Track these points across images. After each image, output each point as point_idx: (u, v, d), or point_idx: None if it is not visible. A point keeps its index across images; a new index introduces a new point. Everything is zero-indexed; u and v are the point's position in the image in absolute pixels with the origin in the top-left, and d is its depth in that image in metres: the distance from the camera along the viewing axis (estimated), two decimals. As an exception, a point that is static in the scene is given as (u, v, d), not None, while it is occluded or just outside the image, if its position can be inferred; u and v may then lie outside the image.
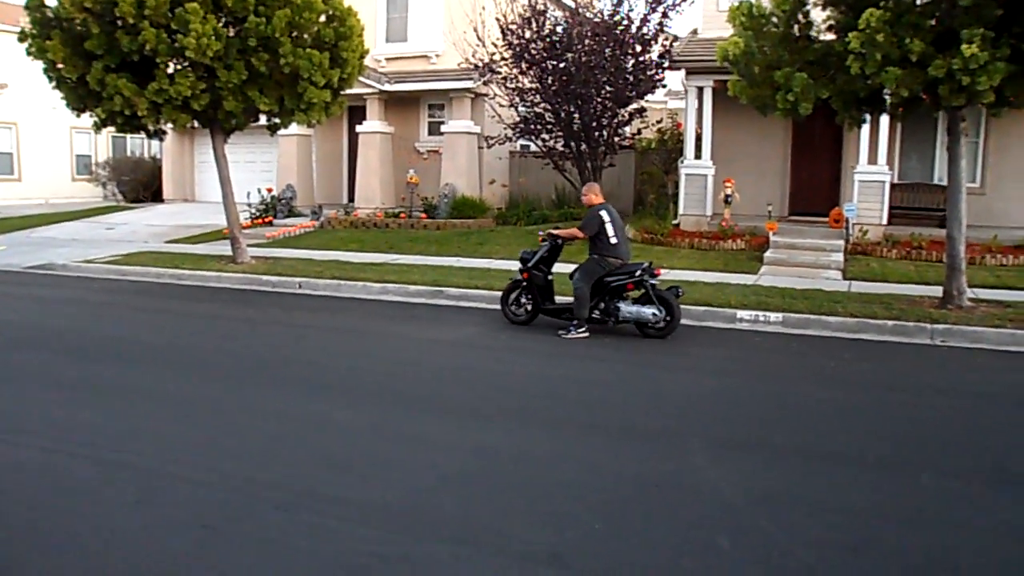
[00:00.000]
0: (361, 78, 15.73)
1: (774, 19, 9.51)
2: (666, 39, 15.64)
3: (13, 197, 28.06)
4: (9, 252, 16.12)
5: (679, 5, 15.36)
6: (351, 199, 21.01)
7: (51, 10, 12.70)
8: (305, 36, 12.91)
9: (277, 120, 13.98)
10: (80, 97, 13.17)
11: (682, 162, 16.19)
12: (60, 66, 12.77)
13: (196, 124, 13.86)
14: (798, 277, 12.09)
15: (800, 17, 9.50)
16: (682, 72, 16.06)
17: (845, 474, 4.83)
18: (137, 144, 31.44)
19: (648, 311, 8.61)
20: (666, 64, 15.59)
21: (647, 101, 16.04)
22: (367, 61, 14.86)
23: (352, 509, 4.28)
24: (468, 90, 19.18)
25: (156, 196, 25.97)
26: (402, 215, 18.66)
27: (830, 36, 9.49)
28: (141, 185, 27.07)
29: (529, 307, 9.38)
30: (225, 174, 14.08)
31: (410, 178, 19.37)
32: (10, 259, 15.12)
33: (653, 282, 8.72)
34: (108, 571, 3.66)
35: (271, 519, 4.16)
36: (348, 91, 14.43)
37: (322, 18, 13.08)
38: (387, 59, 20.70)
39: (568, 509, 4.29)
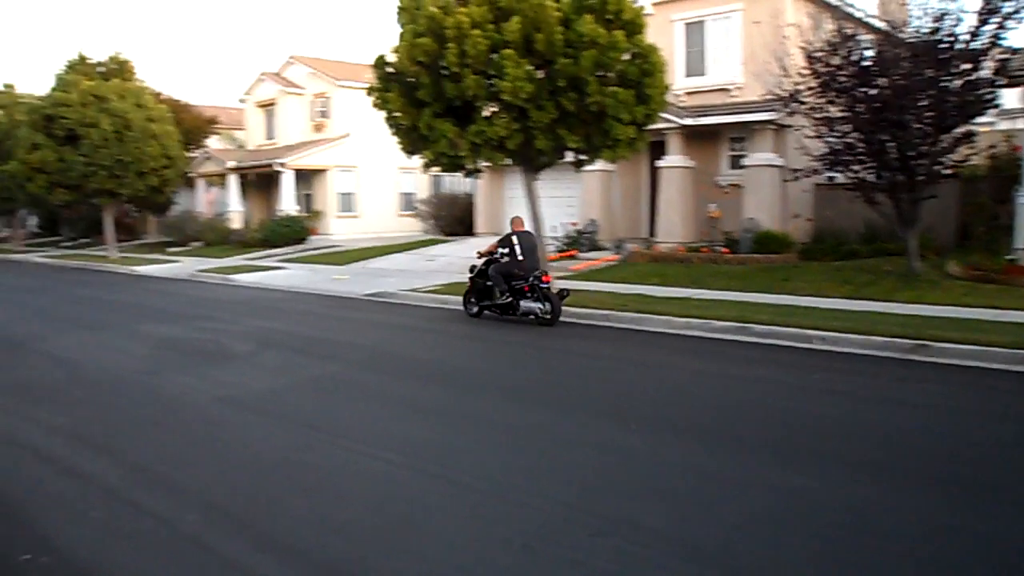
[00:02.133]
0: (662, 113, 16.00)
1: None
2: (1001, 52, 14.08)
3: (353, 231, 31.94)
4: (351, 281, 18.36)
5: (1020, 12, 13.68)
6: (652, 233, 21.29)
7: (391, 66, 14.42)
8: (610, 75, 13.41)
9: (584, 156, 14.62)
10: (412, 141, 14.77)
11: (1020, 190, 14.54)
12: (397, 114, 14.44)
13: (509, 162, 14.88)
14: None
15: None
16: (1021, 89, 14.45)
17: None
18: (452, 182, 34.35)
19: (536, 306, 11.96)
20: (1002, 81, 14.05)
21: (974, 124, 14.52)
22: (668, 97, 15.08)
23: (662, 540, 4.35)
24: (770, 122, 18.74)
25: (469, 230, 28.11)
26: (703, 249, 18.57)
27: None
28: (456, 220, 29.47)
29: (476, 306, 12.87)
30: (535, 210, 14.95)
31: (711, 212, 19.25)
32: (352, 287, 17.23)
33: (543, 286, 11.92)
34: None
35: (585, 544, 4.33)
36: (649, 126, 14.73)
37: (626, 56, 13.52)
38: (686, 93, 20.83)
39: (892, 566, 4.04)
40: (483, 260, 12.85)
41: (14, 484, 5.37)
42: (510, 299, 12.26)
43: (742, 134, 20.10)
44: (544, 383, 8.51)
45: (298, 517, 4.73)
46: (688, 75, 21.03)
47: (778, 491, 5.05)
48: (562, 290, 12.24)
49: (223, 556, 4.24)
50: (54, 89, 29.37)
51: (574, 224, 21.71)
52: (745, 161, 19.57)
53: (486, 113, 13.62)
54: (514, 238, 12.48)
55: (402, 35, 13.98)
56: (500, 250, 12.61)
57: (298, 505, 4.93)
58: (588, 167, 16.00)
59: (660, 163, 20.43)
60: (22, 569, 4.11)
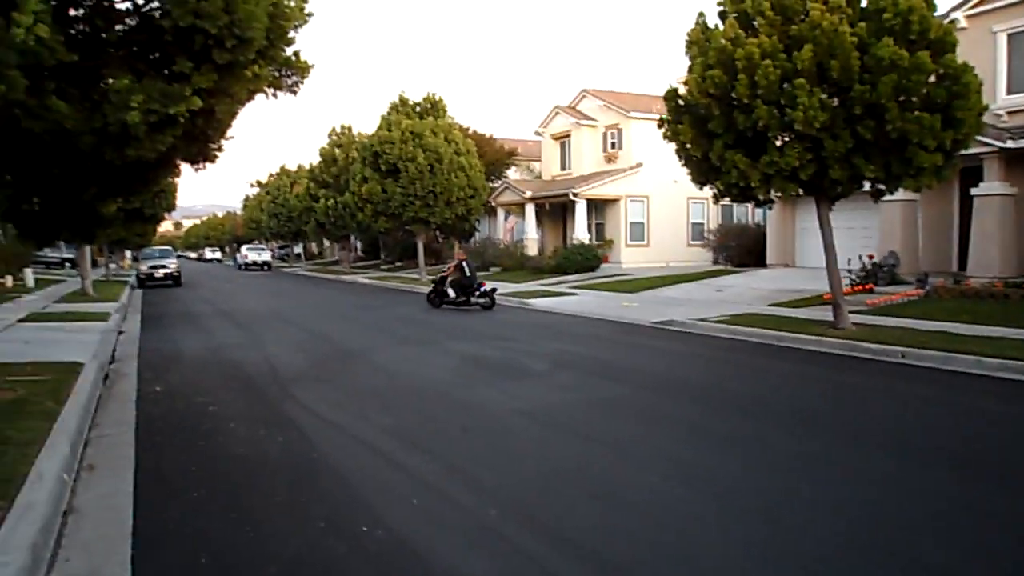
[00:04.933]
0: (977, 137, 14.79)
1: None
2: None
3: (642, 260, 32.59)
4: (639, 309, 18.89)
5: None
6: (962, 267, 19.60)
7: (682, 98, 14.76)
8: (913, 99, 12.67)
9: (882, 186, 13.93)
10: (703, 172, 14.95)
11: None
12: (688, 145, 14.73)
13: (800, 192, 14.54)
14: None
15: None
16: None
17: None
18: (742, 212, 33.86)
19: (479, 300, 20.86)
20: None
21: None
22: (984, 117, 13.94)
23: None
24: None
25: (759, 261, 27.58)
26: (1026, 285, 16.79)
27: None
28: (745, 250, 29.05)
29: (439, 301, 21.56)
30: (829, 241, 14.44)
31: (1036, 244, 17.38)
32: (640, 315, 17.76)
33: (482, 288, 20.92)
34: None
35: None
36: (960, 152, 13.70)
37: (932, 78, 12.75)
38: (1008, 113, 19.00)
39: None
40: (440, 277, 21.85)
41: (353, 471, 6.41)
42: (464, 298, 20.90)
43: (1083, 155, 17.91)
44: (832, 417, 8.33)
45: (585, 521, 5.20)
46: (1012, 92, 19.19)
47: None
48: (492, 288, 21.55)
49: (519, 547, 4.81)
50: (379, 128, 33.31)
51: (871, 256, 20.55)
52: (1085, 186, 17.41)
53: (778, 143, 13.47)
54: (463, 264, 21.21)
55: (691, 67, 14.24)
56: (456, 271, 21.22)
57: (585, 511, 5.41)
58: (888, 197, 15.16)
59: (974, 191, 18.79)
60: (362, 536, 4.99)
